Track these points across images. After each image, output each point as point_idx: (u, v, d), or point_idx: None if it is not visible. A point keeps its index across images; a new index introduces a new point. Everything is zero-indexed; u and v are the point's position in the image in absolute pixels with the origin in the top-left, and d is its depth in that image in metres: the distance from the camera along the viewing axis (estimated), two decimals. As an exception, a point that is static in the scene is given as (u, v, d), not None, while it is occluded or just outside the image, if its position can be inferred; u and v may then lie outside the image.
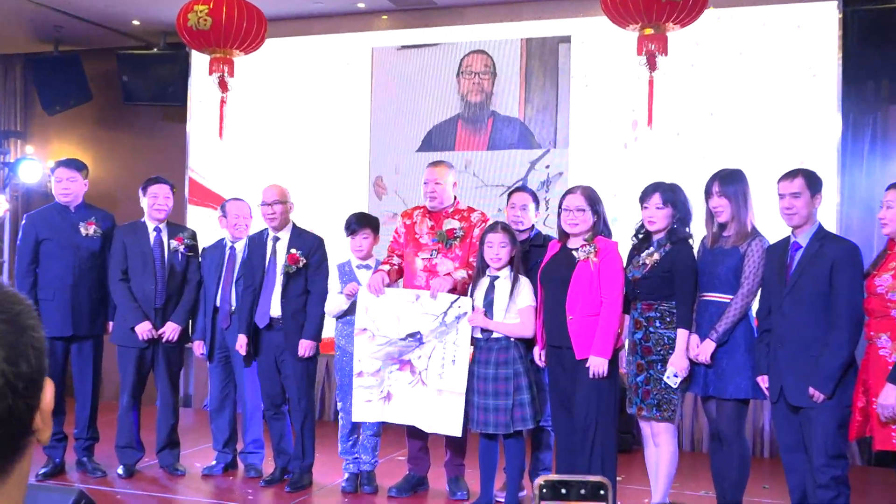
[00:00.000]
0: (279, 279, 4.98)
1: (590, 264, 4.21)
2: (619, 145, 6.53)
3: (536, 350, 4.47)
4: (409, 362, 4.57)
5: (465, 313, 4.48)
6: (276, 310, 4.99)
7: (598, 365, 4.15)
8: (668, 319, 4.11)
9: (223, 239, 5.42)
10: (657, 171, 6.02)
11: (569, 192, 4.42)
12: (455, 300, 4.52)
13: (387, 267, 4.84)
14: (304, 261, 4.95)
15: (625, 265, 4.30)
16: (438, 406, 4.48)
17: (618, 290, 4.19)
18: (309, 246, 5.03)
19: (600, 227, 4.32)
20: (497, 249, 4.43)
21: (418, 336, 4.55)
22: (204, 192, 7.55)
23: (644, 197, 4.27)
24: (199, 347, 5.36)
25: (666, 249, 4.17)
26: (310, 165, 7.28)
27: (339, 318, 4.96)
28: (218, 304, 5.29)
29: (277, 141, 7.44)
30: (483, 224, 4.77)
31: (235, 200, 5.49)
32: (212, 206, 7.26)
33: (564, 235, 4.40)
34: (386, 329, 4.61)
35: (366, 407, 4.65)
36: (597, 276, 4.19)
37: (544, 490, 0.92)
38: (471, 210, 4.91)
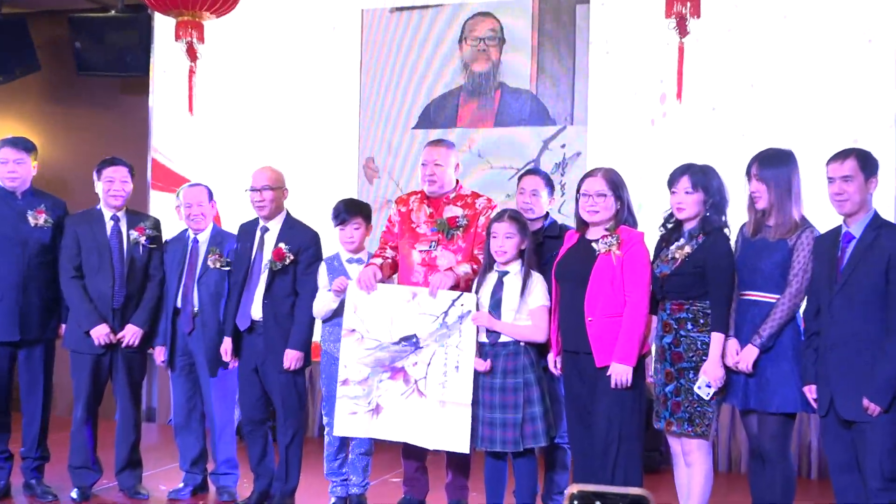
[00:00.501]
0: (264, 276, 4.94)
1: (612, 258, 4.18)
2: (644, 122, 6.50)
3: (551, 356, 4.44)
4: (403, 370, 4.55)
5: (469, 312, 4.46)
6: (257, 311, 4.95)
7: (620, 373, 4.12)
8: (701, 321, 4.06)
9: (186, 230, 5.39)
10: (689, 150, 5.99)
11: (588, 174, 4.41)
12: (457, 297, 4.50)
13: (379, 261, 4.82)
14: (292, 257, 4.91)
15: (652, 259, 4.26)
16: (441, 419, 4.44)
17: (644, 287, 4.17)
18: (300, 241, 4.99)
19: (624, 216, 4.29)
20: (502, 241, 4.42)
21: (414, 340, 4.53)
22: (169, 175, 7.52)
23: (672, 180, 4.22)
24: (159, 354, 5.35)
25: (698, 241, 4.12)
26: (291, 145, 7.25)
27: (326, 320, 4.92)
28: (179, 304, 5.26)
29: (254, 117, 7.42)
30: (490, 211, 4.75)
31: (191, 186, 5.46)
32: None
33: (583, 225, 4.39)
34: (377, 331, 4.58)
35: (350, 420, 4.59)
36: (620, 271, 4.17)
37: (576, 501, 0.91)
38: (475, 195, 4.88)
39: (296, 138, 7.28)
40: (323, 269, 4.99)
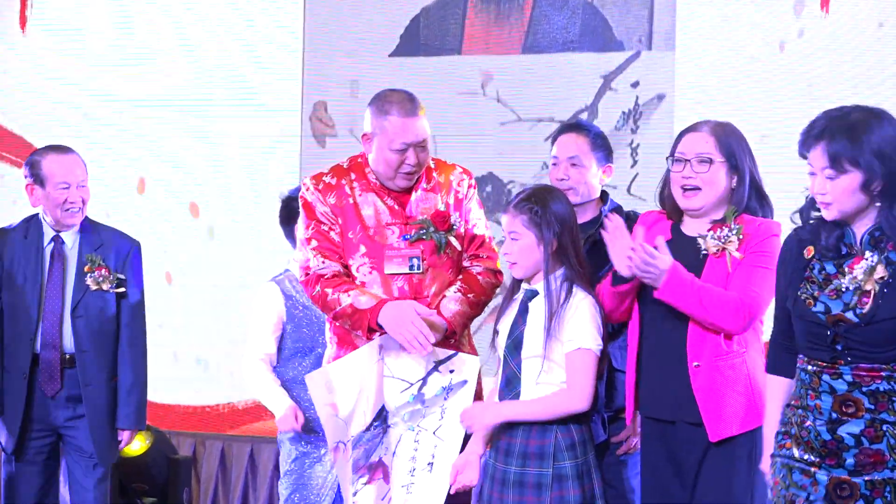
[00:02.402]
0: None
1: (727, 262, 4.13)
2: (770, 45, 6.52)
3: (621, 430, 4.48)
4: (381, 464, 4.63)
5: (464, 383, 4.50)
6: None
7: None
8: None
9: (37, 223, 5.44)
10: (839, 91, 6.09)
11: (688, 130, 4.33)
12: (445, 360, 4.53)
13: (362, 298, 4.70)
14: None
15: (789, 281, 3.95)
16: None
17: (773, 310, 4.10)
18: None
19: (744, 196, 4.22)
20: (508, 245, 4.39)
21: (384, 415, 4.57)
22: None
23: (803, 146, 4.00)
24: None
25: (892, 256, 3.84)
26: (190, 84, 7.44)
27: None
28: (37, 347, 5.45)
29: (132, 43, 7.55)
30: (474, 187, 4.83)
31: (62, 153, 5.47)
32: (15, 163, 7.49)
33: (676, 211, 4.33)
34: (348, 410, 4.67)
35: None
36: (735, 278, 4.18)
37: None
38: (443, 167, 4.85)
39: (196, 74, 7.48)
40: (271, 301, 5.16)
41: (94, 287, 5.36)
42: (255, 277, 7.17)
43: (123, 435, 5.44)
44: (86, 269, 5.34)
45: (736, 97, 6.43)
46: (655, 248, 4.17)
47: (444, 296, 4.62)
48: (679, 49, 6.63)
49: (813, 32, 6.41)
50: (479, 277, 4.64)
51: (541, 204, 4.34)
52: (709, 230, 4.23)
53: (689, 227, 4.29)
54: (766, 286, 4.12)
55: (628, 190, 6.39)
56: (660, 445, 4.28)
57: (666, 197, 4.37)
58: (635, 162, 6.53)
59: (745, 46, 6.55)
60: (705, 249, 4.21)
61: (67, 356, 5.39)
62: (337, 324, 4.75)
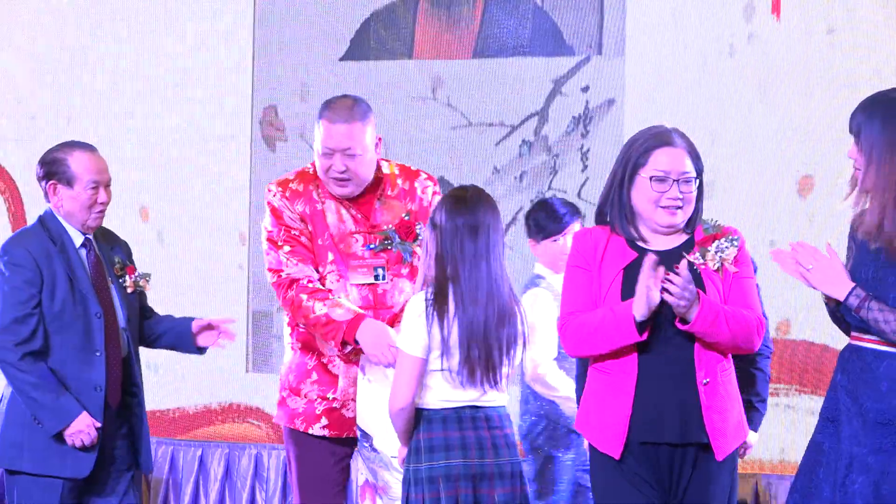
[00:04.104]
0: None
1: (720, 275, 4.11)
2: (720, 49, 6.53)
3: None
4: (368, 486, 4.75)
5: None
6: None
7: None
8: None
9: (59, 226, 5.13)
10: (789, 95, 6.23)
11: (660, 144, 4.16)
12: None
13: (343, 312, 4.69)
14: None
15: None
16: None
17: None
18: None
19: (702, 204, 4.19)
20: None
21: (368, 440, 4.62)
22: None
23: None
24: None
25: None
26: (142, 93, 7.38)
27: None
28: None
29: (82, 46, 7.52)
30: (439, 193, 4.79)
31: (88, 150, 5.27)
32: None
33: (631, 227, 4.21)
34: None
35: None
36: (730, 295, 4.13)
37: None
38: (408, 173, 4.86)
39: (145, 80, 7.43)
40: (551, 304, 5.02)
41: (129, 290, 5.23)
42: (205, 282, 7.13)
43: None
44: (116, 270, 5.20)
45: (686, 101, 6.48)
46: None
47: None
48: (629, 54, 6.63)
49: (763, 37, 6.44)
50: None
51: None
52: (711, 242, 4.14)
53: (658, 243, 4.16)
54: (758, 297, 4.24)
55: (578, 194, 6.37)
56: (650, 474, 4.18)
57: (622, 211, 4.19)
58: (585, 167, 6.51)
59: (696, 51, 6.57)
60: (701, 265, 4.09)
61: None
62: (302, 330, 4.77)
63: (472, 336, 4.26)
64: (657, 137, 4.23)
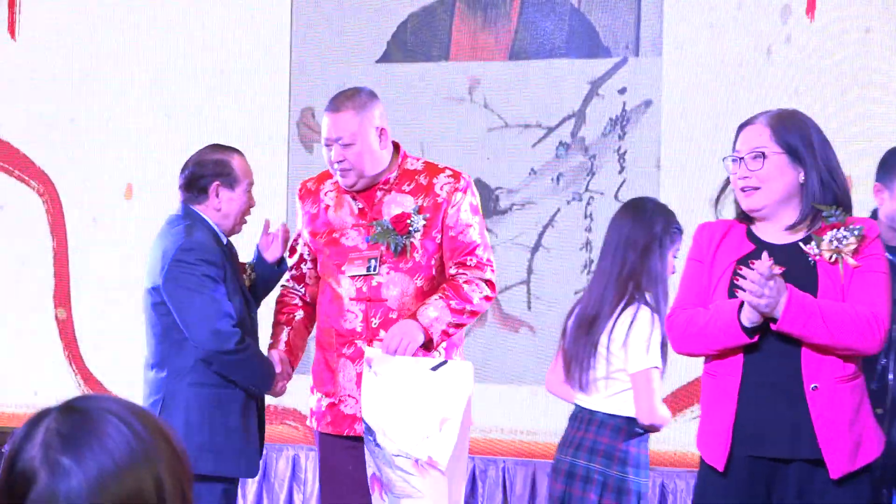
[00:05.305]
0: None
1: (839, 270, 3.87)
2: (757, 51, 6.48)
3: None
4: (374, 478, 4.68)
5: (459, 389, 4.49)
6: None
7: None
8: None
9: (211, 229, 5.13)
10: (826, 98, 6.14)
11: (745, 124, 4.07)
12: (438, 366, 4.52)
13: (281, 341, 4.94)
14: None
15: None
16: None
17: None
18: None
19: (815, 189, 3.93)
20: None
21: (372, 435, 4.54)
22: None
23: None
24: None
25: None
26: (180, 95, 7.37)
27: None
28: None
29: (120, 47, 7.50)
30: (461, 195, 4.73)
31: (240, 153, 5.32)
32: (2, 168, 7.54)
33: (745, 215, 4.08)
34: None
35: None
36: (856, 290, 3.87)
37: None
38: (432, 169, 4.82)
39: (186, 83, 7.40)
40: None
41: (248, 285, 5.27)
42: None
43: None
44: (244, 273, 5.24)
45: (723, 103, 6.42)
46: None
47: (426, 302, 4.60)
48: (666, 55, 6.59)
49: (799, 38, 6.39)
50: (465, 286, 4.61)
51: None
52: (827, 231, 3.89)
53: (769, 235, 4.00)
54: (889, 295, 3.94)
55: (615, 196, 6.34)
56: (763, 490, 3.97)
57: (735, 201, 4.05)
58: (623, 168, 6.47)
59: (732, 52, 6.52)
60: (816, 256, 3.89)
61: None
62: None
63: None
64: (746, 120, 4.11)
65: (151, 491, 1.76)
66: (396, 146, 4.84)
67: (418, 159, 4.88)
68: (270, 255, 5.01)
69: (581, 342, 4.58)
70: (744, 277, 3.76)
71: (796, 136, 3.94)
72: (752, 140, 3.95)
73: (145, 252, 6.85)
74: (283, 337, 4.94)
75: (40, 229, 7.45)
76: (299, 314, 4.94)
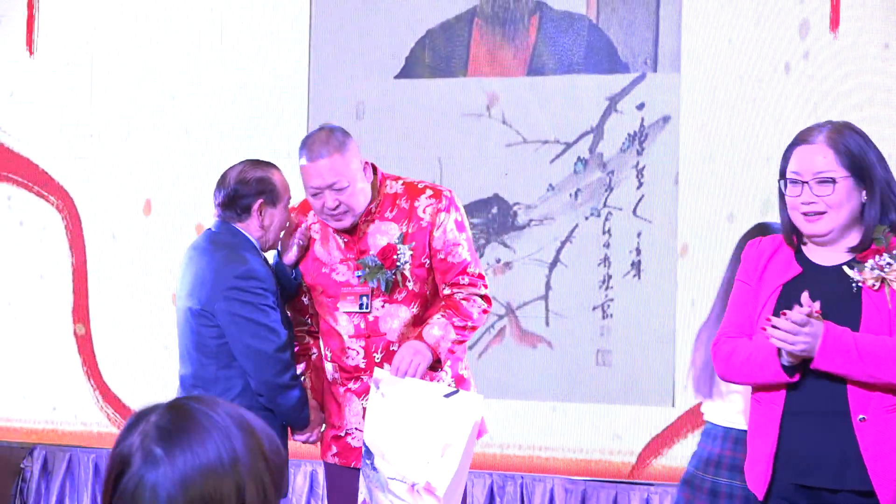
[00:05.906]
0: None
1: (887, 295, 3.76)
2: (776, 67, 6.42)
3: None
4: None
5: (467, 422, 4.48)
6: None
7: None
8: None
9: (255, 247, 5.09)
10: (847, 114, 5.89)
11: (799, 142, 3.95)
12: (449, 395, 4.54)
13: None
14: None
15: None
16: None
17: None
18: None
19: (877, 209, 3.86)
20: None
21: (370, 458, 4.56)
22: (6, 157, 7.67)
23: None
24: None
25: None
26: (199, 110, 7.37)
27: None
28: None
29: (139, 63, 7.52)
30: (445, 214, 4.67)
31: (278, 169, 5.25)
32: (21, 184, 7.44)
33: (795, 235, 3.99)
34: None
35: None
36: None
37: None
38: (412, 191, 4.75)
39: (204, 99, 7.40)
40: None
41: None
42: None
43: None
44: None
45: (741, 119, 6.40)
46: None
47: (429, 322, 4.60)
48: (684, 71, 6.56)
49: (819, 54, 6.36)
50: (463, 303, 4.61)
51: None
52: (869, 257, 3.81)
53: (819, 256, 3.92)
54: None
55: (633, 212, 6.34)
56: None
57: (784, 221, 3.95)
58: (641, 184, 6.44)
59: (751, 68, 6.48)
60: (859, 282, 3.80)
61: None
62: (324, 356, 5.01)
63: None
64: (801, 134, 3.99)
65: (233, 500, 1.88)
66: (374, 168, 4.79)
67: (397, 179, 4.82)
68: (287, 259, 4.94)
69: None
70: (776, 327, 3.69)
71: (859, 155, 3.87)
72: (817, 163, 3.84)
73: (164, 268, 6.92)
74: (307, 384, 4.91)
75: (59, 245, 7.45)
76: (314, 353, 4.93)
